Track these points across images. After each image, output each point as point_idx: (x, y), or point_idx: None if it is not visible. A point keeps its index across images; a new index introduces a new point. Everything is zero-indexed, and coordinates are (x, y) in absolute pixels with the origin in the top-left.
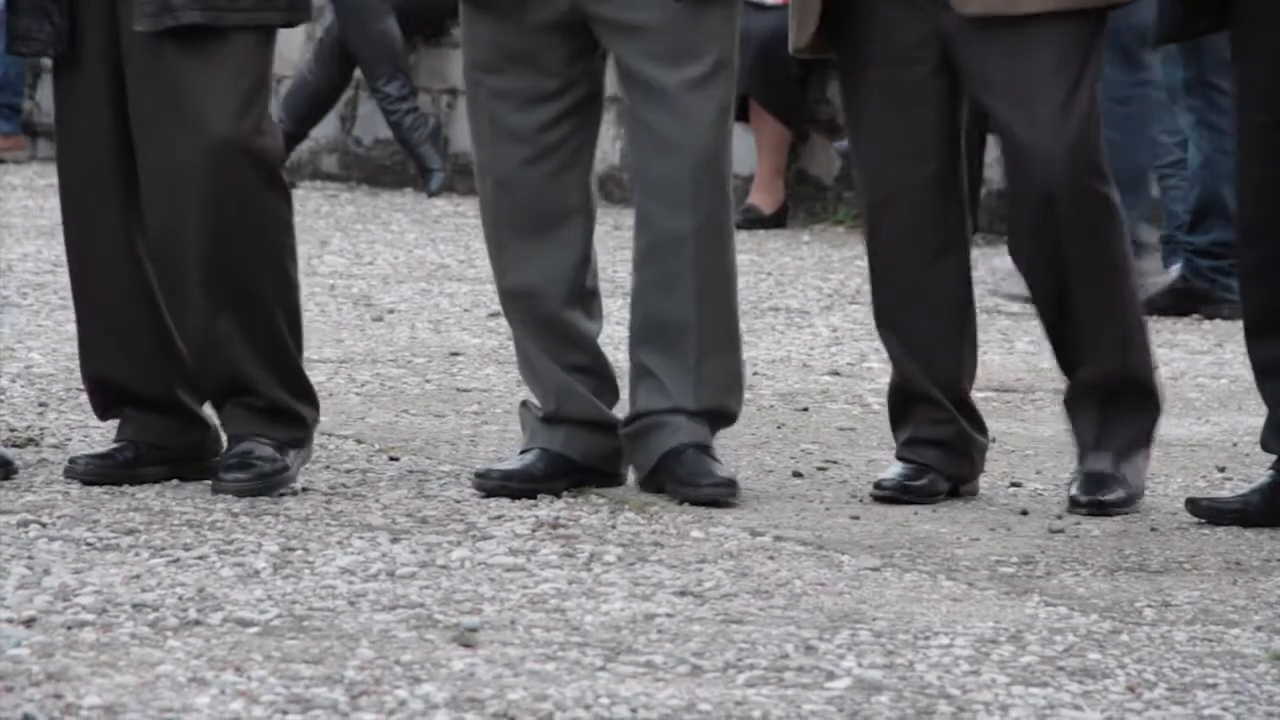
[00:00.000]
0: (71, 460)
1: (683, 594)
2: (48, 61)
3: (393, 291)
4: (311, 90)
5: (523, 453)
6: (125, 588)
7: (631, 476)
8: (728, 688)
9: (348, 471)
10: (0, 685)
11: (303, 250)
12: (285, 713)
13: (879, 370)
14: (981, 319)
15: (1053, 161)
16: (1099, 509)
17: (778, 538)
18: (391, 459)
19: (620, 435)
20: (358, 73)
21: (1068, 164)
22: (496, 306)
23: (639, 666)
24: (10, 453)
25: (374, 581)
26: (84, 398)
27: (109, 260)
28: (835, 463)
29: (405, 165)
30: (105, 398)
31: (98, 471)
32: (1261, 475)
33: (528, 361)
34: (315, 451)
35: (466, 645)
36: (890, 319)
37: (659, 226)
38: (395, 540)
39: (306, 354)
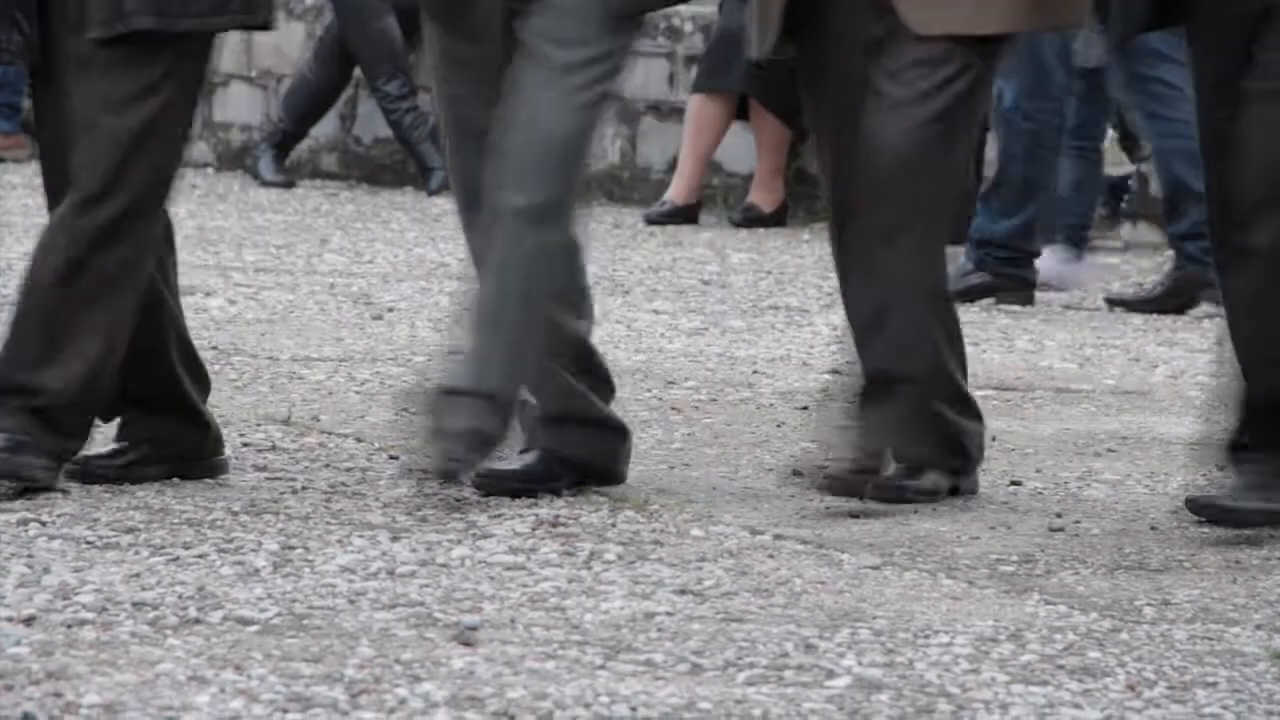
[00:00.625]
0: (73, 460)
1: (682, 592)
2: None
3: (392, 290)
4: (311, 89)
5: (522, 452)
6: (125, 586)
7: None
8: (728, 686)
9: (348, 470)
10: (0, 684)
11: (303, 249)
12: (285, 711)
13: None
14: (981, 317)
15: (899, 132)
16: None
17: (778, 536)
18: (391, 458)
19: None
20: (357, 71)
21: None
22: None
23: (639, 665)
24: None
25: (374, 580)
26: None
27: None
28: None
29: (405, 164)
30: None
31: (99, 471)
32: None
33: None
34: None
35: (466, 644)
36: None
37: (505, 200)
38: (395, 539)
39: (306, 351)
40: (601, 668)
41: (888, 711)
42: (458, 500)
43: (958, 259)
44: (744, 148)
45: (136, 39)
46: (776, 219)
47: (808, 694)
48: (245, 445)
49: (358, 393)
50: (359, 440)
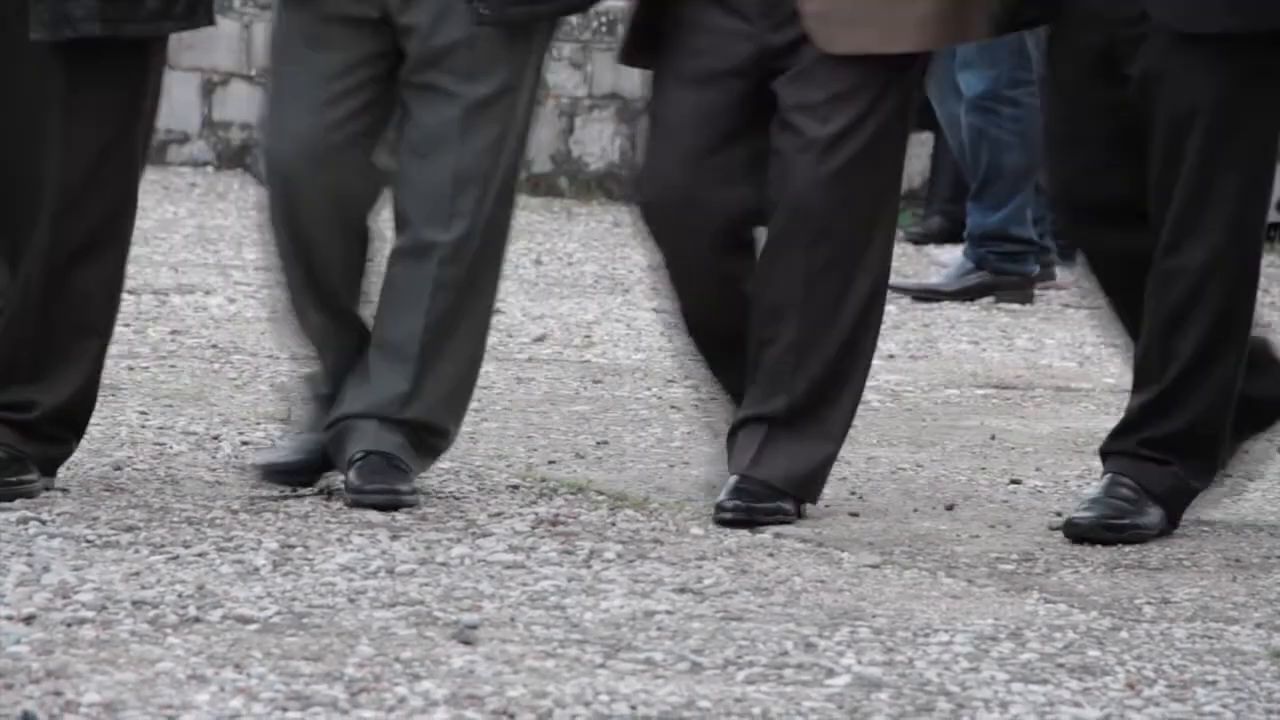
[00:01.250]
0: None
1: (682, 591)
2: None
3: None
4: None
5: (292, 439)
6: (125, 585)
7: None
8: (727, 685)
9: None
10: (0, 682)
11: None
12: (285, 710)
13: (878, 368)
14: (981, 315)
15: (807, 177)
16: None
17: (777, 535)
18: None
19: (323, 433)
20: None
21: (821, 186)
22: (496, 304)
23: (638, 664)
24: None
25: (374, 579)
26: None
27: None
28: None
29: None
30: None
31: None
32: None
33: (330, 349)
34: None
35: (466, 642)
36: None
37: (412, 236)
38: (395, 537)
39: (305, 351)
40: (601, 666)
41: (887, 710)
42: (456, 499)
43: (955, 257)
44: None
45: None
46: None
47: (807, 692)
48: (245, 444)
49: None
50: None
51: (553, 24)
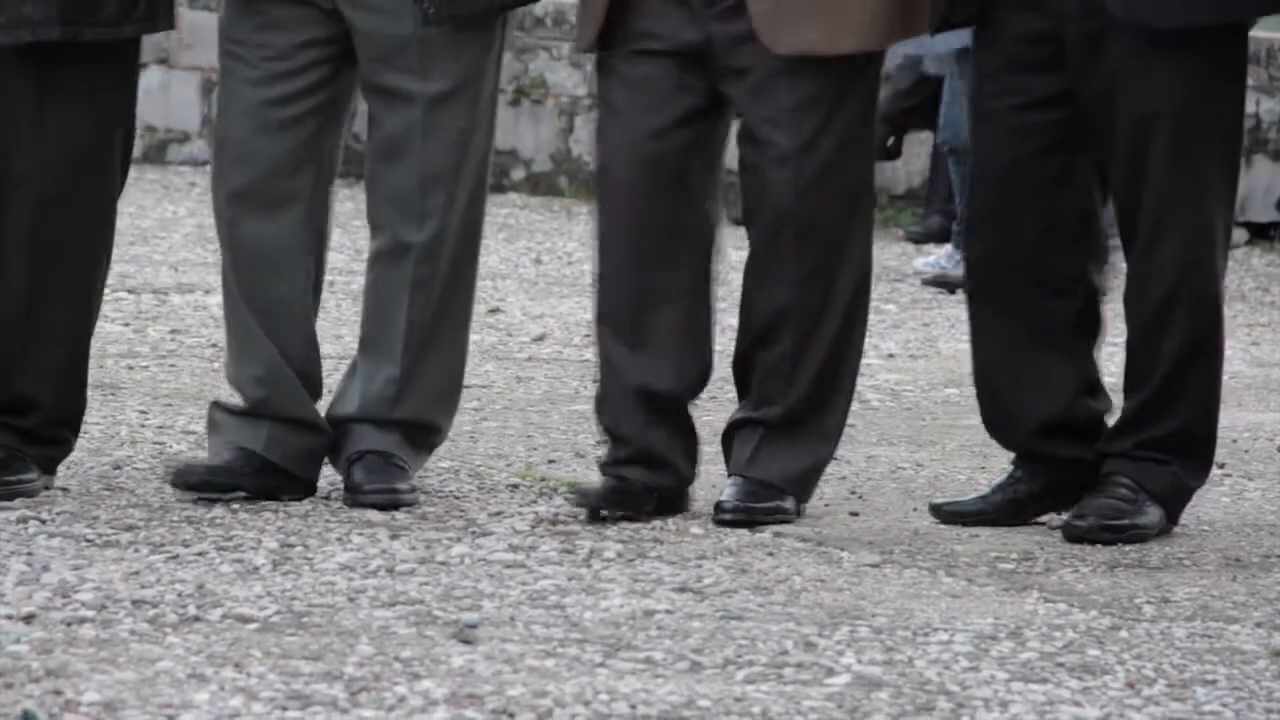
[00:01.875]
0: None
1: (682, 590)
2: None
3: None
4: None
5: (218, 449)
6: (125, 584)
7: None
8: (727, 684)
9: None
10: (0, 681)
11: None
12: (285, 709)
13: (878, 367)
14: None
15: (785, 189)
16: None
17: (777, 534)
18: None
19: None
20: None
21: (799, 195)
22: (497, 303)
23: (638, 663)
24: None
25: (373, 578)
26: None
27: None
28: (835, 459)
29: None
30: None
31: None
32: (1004, 473)
33: (247, 349)
34: None
35: (466, 641)
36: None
37: (387, 237)
38: (395, 537)
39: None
40: (601, 665)
41: (887, 709)
42: (456, 498)
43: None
44: None
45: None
46: None
47: (807, 692)
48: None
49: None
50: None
51: (505, 17)
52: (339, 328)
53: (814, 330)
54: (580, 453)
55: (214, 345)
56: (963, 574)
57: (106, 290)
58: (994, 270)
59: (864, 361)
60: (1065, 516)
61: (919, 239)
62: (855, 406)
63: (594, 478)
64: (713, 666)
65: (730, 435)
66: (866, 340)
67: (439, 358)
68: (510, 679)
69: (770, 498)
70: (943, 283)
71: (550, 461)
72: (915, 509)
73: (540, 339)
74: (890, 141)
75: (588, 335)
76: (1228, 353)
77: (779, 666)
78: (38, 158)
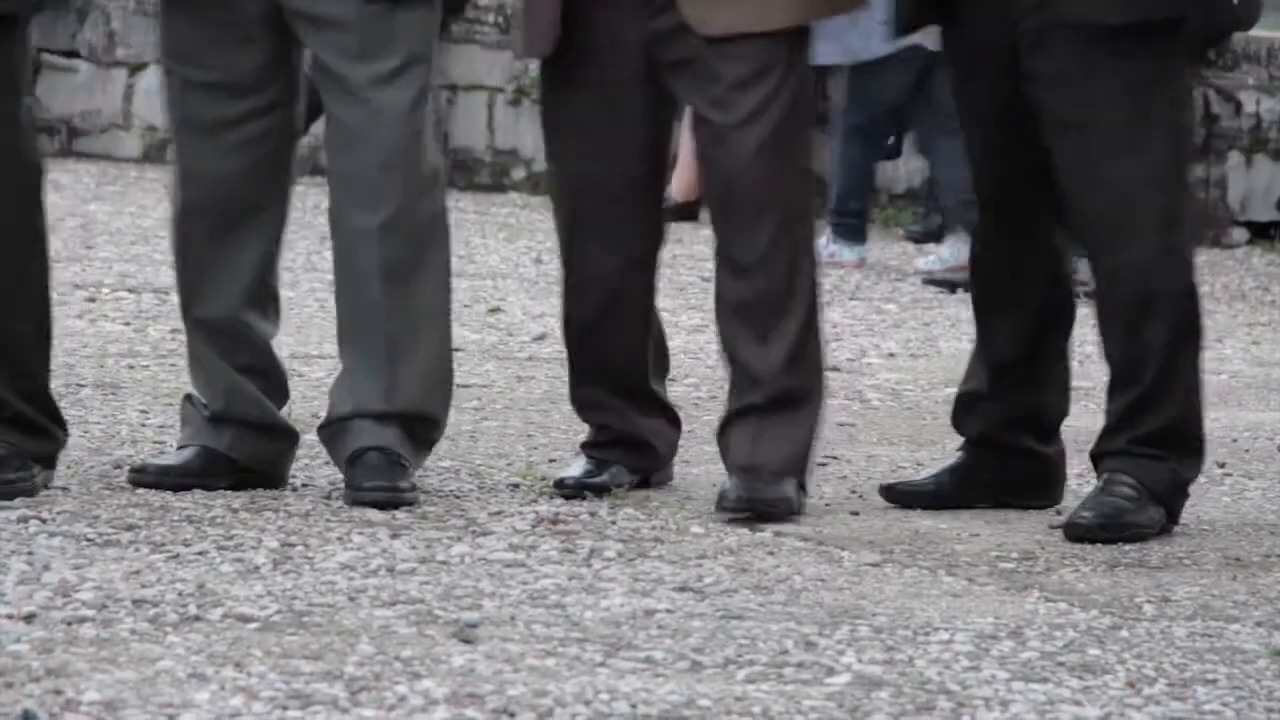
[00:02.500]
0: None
1: (683, 590)
2: (48, 58)
3: None
4: (312, 87)
5: (181, 448)
6: (125, 583)
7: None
8: (727, 683)
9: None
10: (0, 681)
11: (303, 246)
12: (285, 708)
13: (878, 366)
14: None
15: (733, 164)
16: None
17: (777, 533)
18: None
19: (318, 436)
20: None
21: (746, 169)
22: (497, 302)
23: (639, 662)
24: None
25: (374, 577)
26: (83, 393)
27: None
28: (835, 458)
29: None
30: None
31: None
32: (955, 456)
33: (197, 359)
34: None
35: (466, 641)
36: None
37: (349, 225)
38: (395, 536)
39: (307, 349)
40: (601, 665)
41: (888, 709)
42: (457, 497)
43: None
44: None
45: None
46: None
47: (808, 691)
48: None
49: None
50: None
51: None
52: None
53: (781, 310)
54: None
55: None
56: (963, 573)
57: (107, 289)
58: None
59: (864, 360)
60: (1062, 515)
61: (919, 238)
62: (855, 406)
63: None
64: (713, 666)
65: (724, 432)
66: (867, 339)
67: (423, 343)
68: (511, 678)
69: (775, 482)
70: (944, 282)
71: (551, 461)
72: (916, 508)
73: (541, 338)
74: (891, 140)
75: None
76: (1227, 352)
77: (779, 666)
78: None
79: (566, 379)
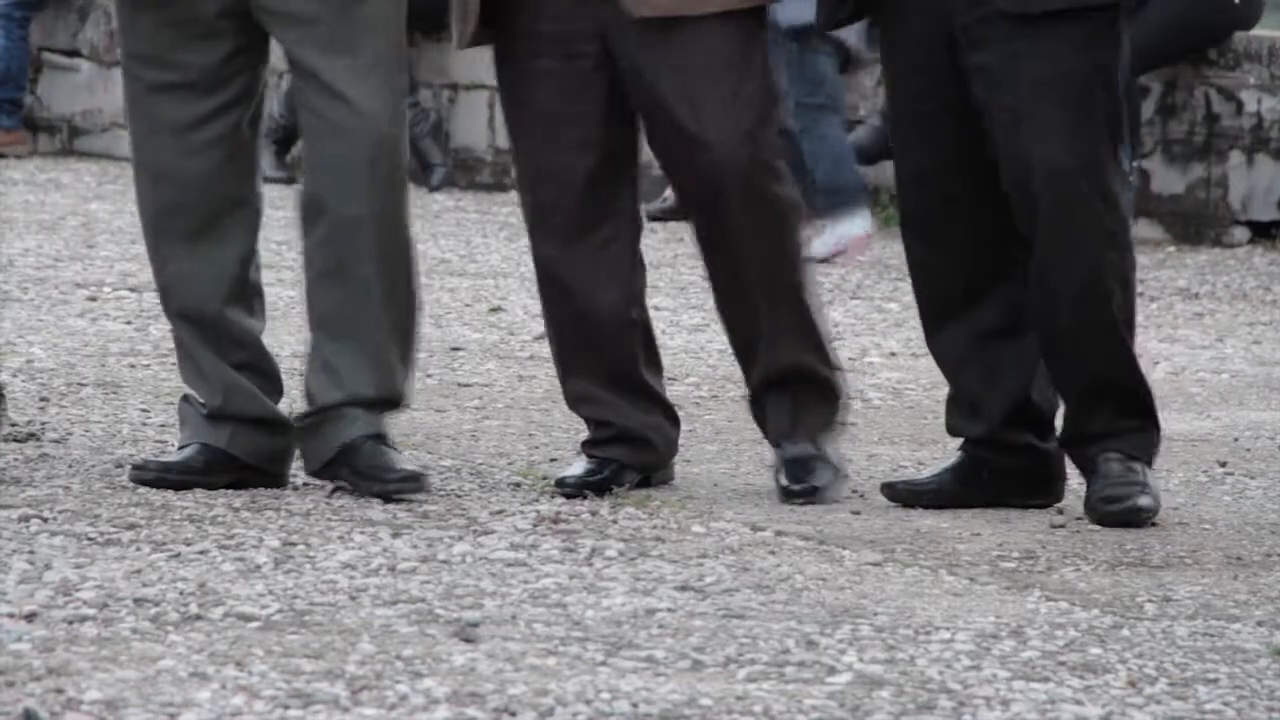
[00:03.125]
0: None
1: (684, 589)
2: (49, 57)
3: None
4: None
5: (182, 447)
6: (126, 582)
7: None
8: (728, 683)
9: None
10: (1, 680)
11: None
12: (286, 707)
13: (880, 365)
14: None
15: (725, 154)
16: (811, 494)
17: (779, 533)
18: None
19: (296, 429)
20: None
21: (738, 157)
22: (498, 301)
23: (640, 661)
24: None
25: (375, 576)
26: (85, 392)
27: None
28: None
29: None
30: None
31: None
32: (955, 455)
33: (190, 358)
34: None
35: (467, 640)
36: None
37: (335, 213)
38: (396, 535)
39: (307, 348)
40: (602, 664)
41: (888, 708)
42: (459, 496)
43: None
44: None
45: None
46: None
47: (809, 690)
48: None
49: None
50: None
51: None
52: None
53: (774, 288)
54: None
55: None
56: (964, 573)
57: (108, 288)
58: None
59: (865, 359)
60: (1064, 514)
61: None
62: (856, 405)
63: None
64: (714, 665)
65: (758, 404)
66: (868, 338)
67: (395, 328)
68: (512, 677)
69: (819, 461)
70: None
71: (552, 460)
72: (917, 507)
73: (542, 337)
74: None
75: None
76: (1228, 351)
77: (780, 665)
78: None
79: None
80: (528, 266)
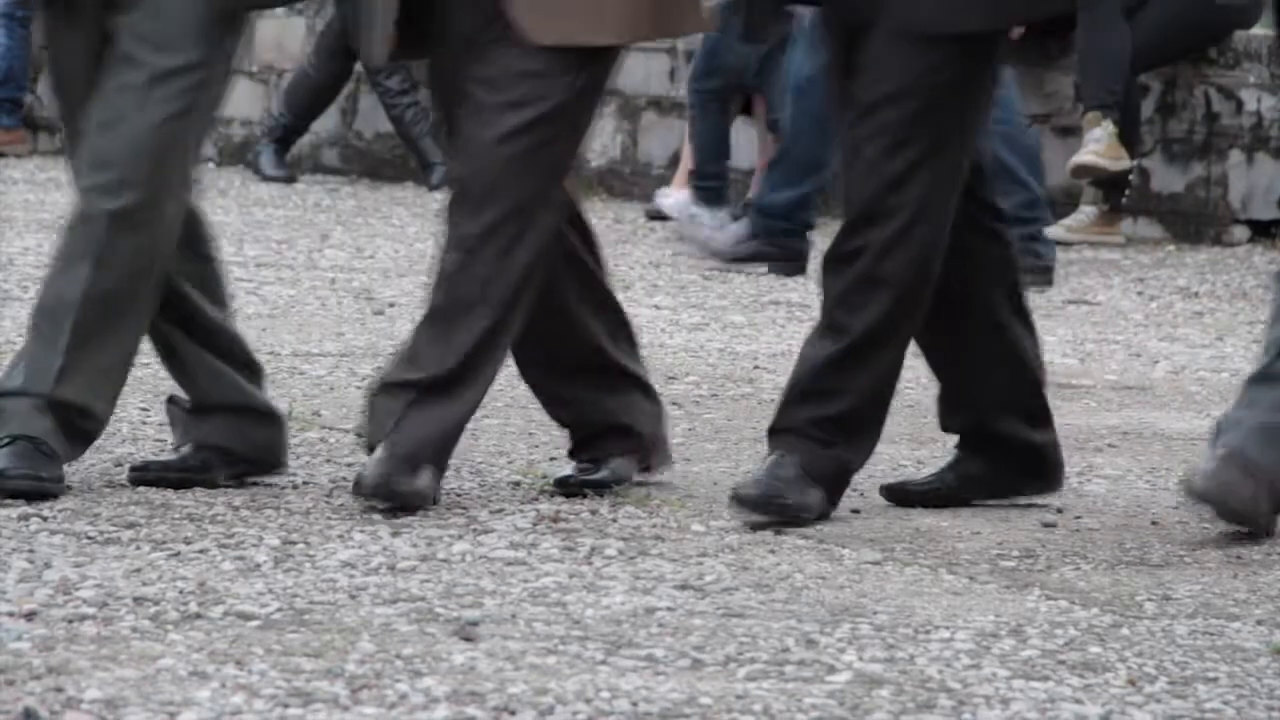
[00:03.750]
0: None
1: (683, 588)
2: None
3: (393, 285)
4: (312, 84)
5: (177, 449)
6: (126, 581)
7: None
8: (728, 681)
9: (349, 465)
10: (1, 679)
11: (303, 244)
12: (286, 706)
13: None
14: None
15: (478, 149)
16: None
17: (778, 531)
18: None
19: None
20: (359, 66)
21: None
22: None
23: (640, 660)
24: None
25: (375, 575)
26: None
27: None
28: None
29: (406, 159)
30: None
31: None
32: (953, 453)
33: (168, 350)
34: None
35: (467, 639)
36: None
37: (89, 203)
38: (396, 534)
39: (307, 347)
40: (602, 663)
41: (888, 706)
42: (458, 495)
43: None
44: (747, 143)
45: None
46: None
47: (808, 689)
48: None
49: (359, 388)
50: (360, 435)
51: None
52: (340, 325)
53: (473, 297)
54: None
55: None
56: (964, 571)
57: None
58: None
59: None
60: (1063, 513)
61: None
62: None
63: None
64: (714, 664)
65: (375, 398)
66: None
67: (110, 338)
68: (511, 676)
69: (410, 471)
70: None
71: (552, 459)
72: (916, 506)
73: None
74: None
75: None
76: (1228, 350)
77: (780, 664)
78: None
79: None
80: None
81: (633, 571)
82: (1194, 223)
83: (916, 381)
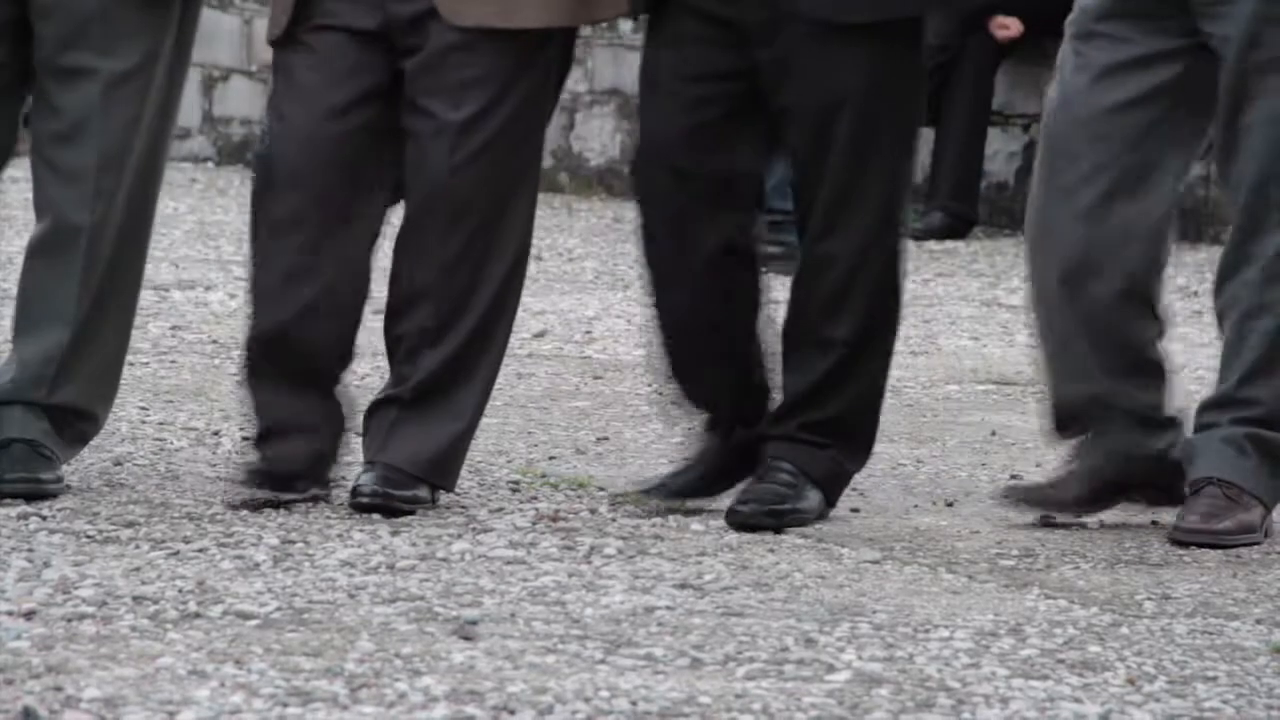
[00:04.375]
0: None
1: (683, 587)
2: None
3: None
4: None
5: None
6: (125, 580)
7: None
8: (728, 680)
9: (348, 464)
10: (0, 678)
11: None
12: (285, 705)
13: None
14: (982, 311)
15: (440, 164)
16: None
17: (778, 531)
18: None
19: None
20: None
21: (452, 172)
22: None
23: (639, 659)
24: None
25: (374, 574)
26: None
27: None
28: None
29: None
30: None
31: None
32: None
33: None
34: None
35: (466, 638)
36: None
37: (60, 217)
38: (395, 533)
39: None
40: (602, 662)
41: (887, 706)
42: (457, 494)
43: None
44: None
45: None
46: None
47: (808, 688)
48: (246, 439)
49: (358, 387)
50: (359, 435)
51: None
52: None
53: (457, 311)
54: (581, 449)
55: (215, 342)
56: (963, 570)
57: None
58: None
59: None
60: (1060, 516)
61: (920, 235)
62: None
63: (593, 474)
64: (713, 663)
65: (369, 418)
66: None
67: (100, 343)
68: (511, 675)
69: (407, 485)
70: None
71: (551, 458)
72: (915, 505)
73: (541, 335)
74: None
75: (588, 332)
76: None
77: (779, 663)
78: None
79: (565, 376)
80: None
81: (632, 570)
82: (1193, 222)
83: (915, 380)
